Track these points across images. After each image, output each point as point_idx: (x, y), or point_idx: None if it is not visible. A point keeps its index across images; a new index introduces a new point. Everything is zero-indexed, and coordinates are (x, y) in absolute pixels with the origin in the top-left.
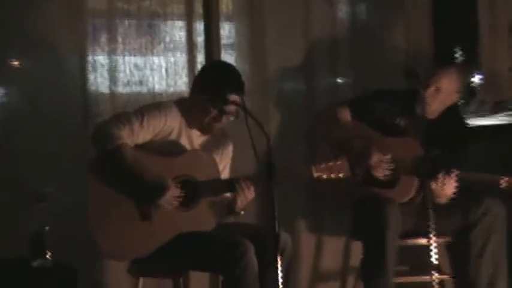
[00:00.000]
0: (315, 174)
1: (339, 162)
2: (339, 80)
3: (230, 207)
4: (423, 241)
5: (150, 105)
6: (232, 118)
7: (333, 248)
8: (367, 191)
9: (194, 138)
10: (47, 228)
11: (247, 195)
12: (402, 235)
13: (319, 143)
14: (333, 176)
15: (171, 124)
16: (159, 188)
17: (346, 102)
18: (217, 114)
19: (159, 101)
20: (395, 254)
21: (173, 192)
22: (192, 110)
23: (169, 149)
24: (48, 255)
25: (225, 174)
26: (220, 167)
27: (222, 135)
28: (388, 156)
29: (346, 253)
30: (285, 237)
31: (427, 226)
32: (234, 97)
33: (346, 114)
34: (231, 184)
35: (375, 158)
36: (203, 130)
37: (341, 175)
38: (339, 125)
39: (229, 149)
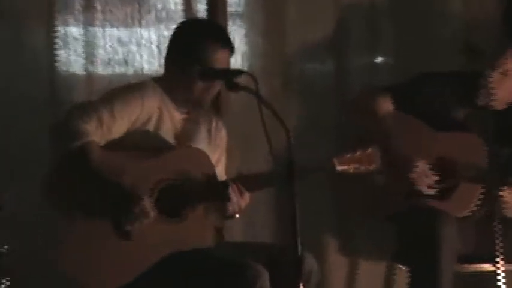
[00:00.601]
0: (339, 168)
1: (368, 151)
2: (378, 59)
3: (220, 211)
4: (488, 267)
5: (120, 88)
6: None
7: (371, 275)
8: (415, 201)
9: (179, 124)
10: (4, 247)
11: (239, 202)
12: (461, 259)
13: (352, 139)
14: (362, 168)
15: (150, 108)
16: (133, 195)
17: (386, 88)
18: (204, 84)
19: (130, 83)
20: (451, 283)
21: (144, 204)
22: (173, 87)
23: (149, 143)
24: (6, 283)
25: (219, 168)
26: (214, 159)
27: (212, 118)
28: (435, 177)
29: (388, 282)
30: (309, 261)
31: (492, 247)
32: (219, 53)
33: (386, 104)
34: (219, 188)
35: (419, 171)
36: (191, 111)
37: (371, 167)
38: (376, 117)
39: (223, 133)
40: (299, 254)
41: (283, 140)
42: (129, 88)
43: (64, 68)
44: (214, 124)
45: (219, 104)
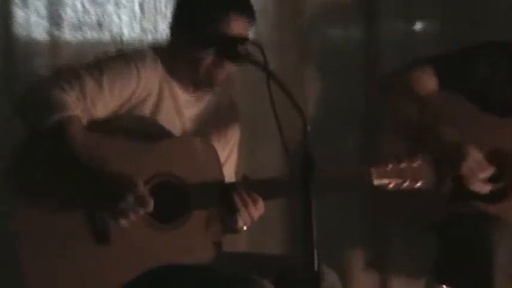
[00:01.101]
0: (376, 182)
1: (415, 165)
2: (417, 27)
3: (225, 223)
4: None
5: (114, 56)
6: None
7: None
8: (462, 206)
9: (184, 106)
10: None
11: (252, 212)
12: None
13: (385, 129)
14: (404, 185)
15: (148, 83)
16: (119, 187)
17: (428, 62)
18: (215, 58)
19: (126, 50)
20: None
21: (142, 199)
22: (177, 61)
23: (143, 129)
24: None
25: (228, 168)
26: (223, 157)
27: (227, 105)
28: (491, 170)
29: None
30: (330, 278)
31: None
32: (234, 19)
33: (428, 82)
34: (227, 194)
35: (473, 160)
36: (198, 91)
37: (418, 185)
38: (416, 99)
39: (237, 126)
40: (316, 268)
41: (298, 128)
42: (122, 56)
43: (23, 33)
44: (226, 111)
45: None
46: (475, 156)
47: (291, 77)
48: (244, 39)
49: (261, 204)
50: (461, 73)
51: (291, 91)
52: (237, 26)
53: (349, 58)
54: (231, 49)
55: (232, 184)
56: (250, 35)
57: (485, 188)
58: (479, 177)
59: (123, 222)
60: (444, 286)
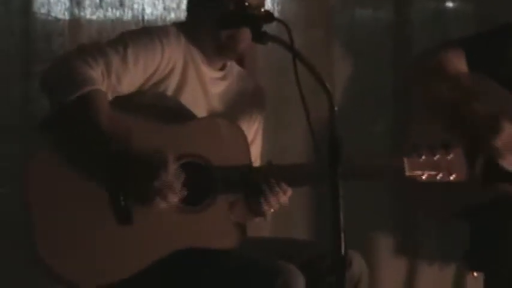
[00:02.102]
0: (408, 173)
1: (449, 157)
2: (448, 6)
3: (249, 208)
4: None
5: (137, 31)
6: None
7: (434, 283)
8: (495, 190)
9: (209, 83)
10: None
11: (280, 198)
12: None
13: (415, 111)
14: (438, 178)
15: (172, 58)
16: (151, 165)
17: (459, 42)
18: (232, 32)
19: (149, 26)
20: None
21: (176, 177)
22: (200, 35)
23: (166, 107)
24: None
25: (254, 152)
26: (249, 138)
27: (253, 88)
28: None
29: None
30: (358, 263)
31: None
32: None
33: (459, 63)
34: (253, 179)
35: (505, 136)
36: (224, 68)
37: (452, 177)
38: (447, 79)
39: (262, 110)
40: (343, 254)
41: (325, 110)
42: (146, 32)
43: (43, 12)
44: (252, 94)
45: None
46: (509, 130)
47: (318, 57)
48: (270, 18)
49: (288, 192)
50: (491, 54)
51: (318, 71)
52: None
53: (379, 38)
54: (256, 28)
55: (259, 168)
56: (277, 13)
57: None
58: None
59: (160, 202)
60: (475, 273)
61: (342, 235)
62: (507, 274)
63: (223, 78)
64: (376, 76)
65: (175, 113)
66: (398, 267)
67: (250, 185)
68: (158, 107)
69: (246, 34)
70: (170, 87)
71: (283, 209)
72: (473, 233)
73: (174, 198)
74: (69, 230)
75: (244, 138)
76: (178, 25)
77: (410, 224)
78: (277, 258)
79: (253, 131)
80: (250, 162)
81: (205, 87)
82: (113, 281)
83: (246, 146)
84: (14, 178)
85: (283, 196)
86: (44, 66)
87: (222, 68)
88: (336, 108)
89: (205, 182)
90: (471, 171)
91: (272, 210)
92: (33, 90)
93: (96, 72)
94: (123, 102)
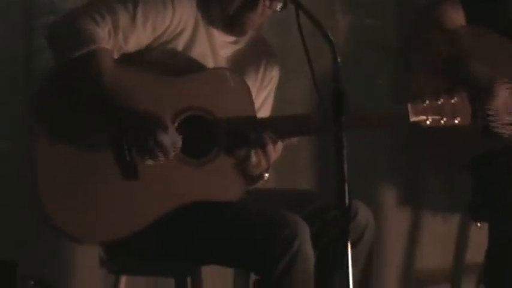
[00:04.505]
0: (413, 118)
1: (453, 101)
2: None
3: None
4: None
5: None
6: (277, 7)
7: (439, 233)
8: (498, 141)
9: (219, 46)
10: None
11: (270, 153)
12: None
13: (415, 62)
14: (442, 122)
15: (183, 19)
16: (146, 126)
17: None
18: (241, 11)
19: None
20: None
21: (170, 137)
22: (211, 4)
23: (174, 62)
24: None
25: (264, 112)
26: (258, 101)
27: (265, 49)
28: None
29: (461, 242)
30: (363, 214)
31: None
32: None
33: (457, 17)
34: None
35: (498, 104)
36: (231, 28)
37: (456, 121)
38: (445, 32)
39: (274, 73)
40: (348, 202)
41: (328, 62)
42: None
43: None
44: (265, 55)
45: (247, 23)
46: (503, 98)
47: (321, 9)
48: None
49: (279, 146)
50: (490, 8)
51: (321, 23)
52: None
53: None
54: None
55: (254, 121)
56: None
57: (505, 132)
58: (503, 120)
59: (149, 161)
60: (479, 224)
61: (346, 186)
62: (509, 223)
63: (235, 42)
64: (379, 27)
65: (183, 67)
66: (402, 218)
67: (253, 137)
68: (166, 61)
69: (255, 16)
70: (179, 45)
71: (288, 160)
72: (476, 184)
73: (172, 155)
74: (73, 186)
75: (250, 93)
76: None
77: (414, 176)
78: (283, 209)
79: (265, 91)
80: (254, 114)
81: (215, 49)
82: (125, 235)
83: (250, 100)
84: (15, 133)
85: (274, 151)
86: (46, 19)
87: (231, 34)
88: (339, 60)
89: (208, 135)
90: (475, 123)
91: (264, 166)
92: (36, 44)
93: (102, 30)
94: (131, 57)
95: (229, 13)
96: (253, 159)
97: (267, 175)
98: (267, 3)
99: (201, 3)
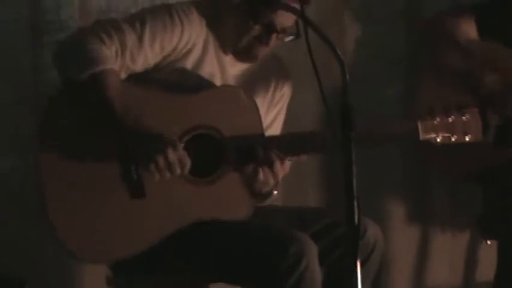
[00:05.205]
0: (423, 136)
1: (465, 117)
2: None
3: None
4: None
5: (159, 8)
6: (288, 38)
7: (448, 250)
8: (509, 154)
9: (228, 64)
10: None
11: (277, 171)
12: None
13: (425, 75)
14: (453, 139)
15: (191, 38)
16: (152, 145)
17: (471, 8)
18: (261, 32)
19: (171, 3)
20: None
21: (176, 155)
22: (221, 21)
23: (182, 81)
24: None
25: (275, 130)
26: (268, 119)
27: (276, 66)
28: None
29: (471, 260)
30: (372, 231)
31: None
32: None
33: (470, 30)
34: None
35: None
36: (240, 56)
37: (467, 138)
38: (458, 45)
39: (286, 90)
40: (356, 221)
41: (337, 77)
42: (167, 9)
43: None
44: (275, 73)
45: (255, 55)
46: None
47: (330, 21)
48: None
49: (287, 164)
50: (503, 22)
51: (330, 39)
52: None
53: (390, 4)
54: None
55: (262, 139)
56: None
57: None
58: None
59: (157, 178)
60: (489, 241)
61: (355, 202)
62: None
63: (243, 60)
64: (388, 42)
65: (192, 85)
66: (411, 235)
67: (261, 155)
68: (175, 80)
69: (265, 48)
70: (188, 64)
71: (296, 178)
72: (486, 201)
73: (180, 172)
74: (80, 205)
75: (257, 111)
76: (199, 4)
77: (423, 191)
78: (290, 227)
79: (276, 109)
80: (261, 132)
81: (224, 67)
82: (124, 255)
83: (257, 118)
84: (24, 149)
85: (282, 169)
86: (53, 37)
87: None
88: (347, 75)
89: (215, 153)
90: (486, 138)
91: (273, 183)
92: (43, 60)
93: (110, 51)
94: (139, 76)
95: (241, 44)
96: (261, 176)
97: (276, 192)
98: (280, 36)
99: (211, 22)
